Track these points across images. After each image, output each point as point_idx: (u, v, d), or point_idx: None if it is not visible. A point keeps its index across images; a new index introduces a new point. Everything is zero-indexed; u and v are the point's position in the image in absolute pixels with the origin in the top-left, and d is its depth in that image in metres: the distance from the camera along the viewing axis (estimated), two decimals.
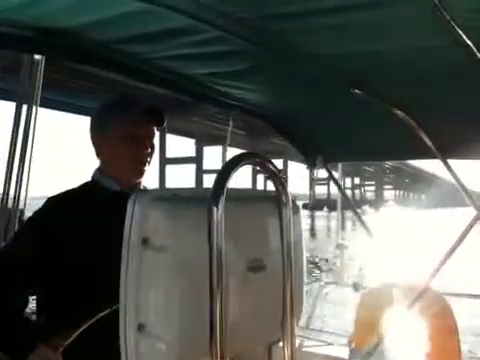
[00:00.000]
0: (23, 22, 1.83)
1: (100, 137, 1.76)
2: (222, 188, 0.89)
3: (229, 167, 0.91)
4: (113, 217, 1.61)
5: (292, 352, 1.03)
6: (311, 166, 3.01)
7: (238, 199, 0.98)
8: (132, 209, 0.90)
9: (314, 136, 2.88)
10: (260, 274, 1.04)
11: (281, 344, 1.11)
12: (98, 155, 1.79)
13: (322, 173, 3.35)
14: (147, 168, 1.77)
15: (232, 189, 0.92)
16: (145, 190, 0.94)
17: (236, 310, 0.96)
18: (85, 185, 1.79)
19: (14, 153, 2.38)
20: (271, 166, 0.99)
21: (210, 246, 0.87)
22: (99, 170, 1.78)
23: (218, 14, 1.57)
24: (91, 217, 1.64)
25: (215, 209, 0.88)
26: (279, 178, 1.00)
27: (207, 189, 0.93)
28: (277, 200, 1.02)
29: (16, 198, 2.35)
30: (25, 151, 2.41)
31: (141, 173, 1.76)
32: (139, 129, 1.73)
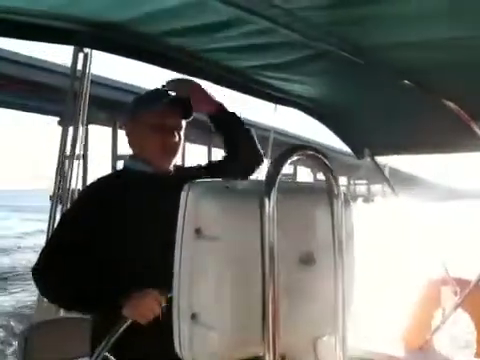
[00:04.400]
0: (72, 16, 1.87)
1: (132, 126, 1.88)
2: (274, 180, 0.89)
3: (281, 159, 0.90)
4: (150, 197, 1.71)
5: (344, 348, 1.02)
6: (359, 159, 2.97)
7: (289, 191, 0.98)
8: (185, 199, 0.91)
9: (361, 128, 2.84)
10: (310, 267, 1.03)
11: (325, 338, 1.11)
12: (130, 143, 1.90)
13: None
14: (176, 156, 1.87)
15: (283, 181, 0.92)
16: (198, 180, 0.94)
17: (286, 302, 0.96)
18: (119, 171, 1.89)
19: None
20: (322, 158, 0.98)
21: (262, 238, 0.88)
22: (132, 157, 1.87)
23: (267, 5, 1.56)
24: (128, 199, 1.72)
25: (267, 201, 0.88)
26: (331, 170, 0.99)
27: (260, 181, 0.93)
28: (328, 193, 1.01)
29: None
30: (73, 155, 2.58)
31: (170, 163, 1.86)
32: (167, 119, 1.83)
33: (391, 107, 2.48)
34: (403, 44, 1.80)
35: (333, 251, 1.02)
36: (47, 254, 1.70)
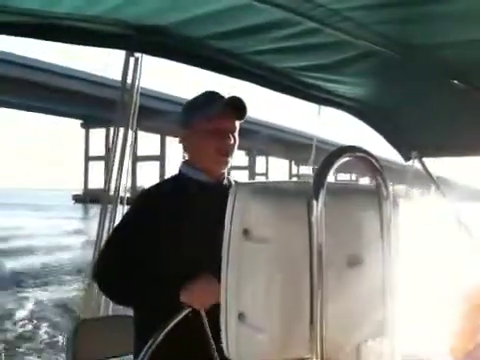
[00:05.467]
0: (121, 21, 1.92)
1: (186, 131, 1.85)
2: (323, 182, 0.88)
3: (330, 160, 0.89)
4: (202, 206, 1.72)
5: (392, 353, 1.01)
6: (406, 160, 2.91)
7: (338, 192, 0.97)
8: (233, 200, 0.91)
9: (408, 130, 2.79)
10: (358, 270, 1.02)
11: (370, 343, 1.09)
12: (185, 148, 1.87)
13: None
14: (231, 159, 1.84)
15: (331, 182, 0.91)
16: (245, 182, 0.95)
17: (333, 305, 0.95)
18: (173, 177, 1.89)
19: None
20: (372, 159, 0.96)
21: (310, 240, 0.87)
22: (186, 163, 1.86)
23: (313, 6, 1.55)
24: (181, 206, 1.73)
25: (315, 203, 0.87)
26: (380, 172, 0.97)
27: (307, 182, 0.92)
28: (378, 195, 0.99)
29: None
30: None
31: (225, 164, 1.84)
32: (222, 122, 1.79)
33: (439, 108, 2.42)
34: (451, 43, 1.76)
35: (381, 254, 1.00)
36: (106, 257, 1.79)
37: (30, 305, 9.86)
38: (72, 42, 2.06)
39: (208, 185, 1.81)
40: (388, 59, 1.95)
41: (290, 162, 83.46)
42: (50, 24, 1.88)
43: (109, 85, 42.00)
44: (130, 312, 1.89)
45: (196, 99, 1.88)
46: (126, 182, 2.78)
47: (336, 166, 0.90)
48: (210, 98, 1.83)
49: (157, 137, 59.64)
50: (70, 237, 22.02)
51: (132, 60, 2.58)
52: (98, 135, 62.38)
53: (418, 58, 1.91)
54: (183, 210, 1.73)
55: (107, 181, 2.74)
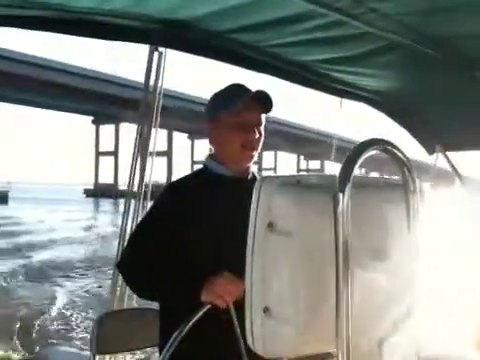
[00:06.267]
0: (144, 15, 1.93)
1: (212, 124, 1.83)
2: (349, 175, 0.87)
3: (356, 153, 0.88)
4: (226, 200, 1.71)
5: (415, 349, 1.00)
6: (430, 154, 2.87)
7: (363, 186, 0.96)
8: (258, 194, 0.91)
9: (432, 123, 2.75)
10: (384, 264, 1.01)
11: (393, 339, 1.08)
12: (211, 142, 1.86)
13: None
14: (256, 152, 1.81)
15: (357, 176, 0.90)
16: (271, 175, 0.94)
17: (358, 299, 0.95)
18: (198, 171, 1.88)
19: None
20: (399, 153, 0.95)
21: (336, 233, 0.86)
22: (211, 156, 1.85)
23: None
24: (205, 200, 1.72)
25: (341, 196, 0.86)
26: (408, 165, 0.96)
27: (332, 176, 0.91)
28: (404, 187, 0.98)
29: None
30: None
31: (251, 158, 1.81)
32: (248, 116, 1.76)
33: (464, 101, 2.38)
34: (478, 36, 1.72)
35: (408, 248, 0.99)
36: (131, 250, 1.79)
37: (65, 294, 10.07)
38: (96, 36, 2.08)
39: (233, 179, 1.80)
40: (413, 51, 1.91)
41: (298, 157, 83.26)
42: (74, 19, 1.90)
43: (118, 83, 45.14)
44: (155, 305, 1.90)
45: (222, 92, 1.84)
46: (150, 177, 2.80)
47: (363, 159, 0.89)
48: (236, 91, 1.79)
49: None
50: (88, 231, 22.47)
51: (156, 55, 2.57)
52: (107, 131, 63.59)
53: (443, 50, 1.88)
54: (208, 204, 1.72)
55: (130, 176, 2.76)
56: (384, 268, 1.02)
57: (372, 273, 1.00)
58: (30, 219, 26.24)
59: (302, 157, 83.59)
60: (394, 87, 2.54)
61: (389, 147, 0.93)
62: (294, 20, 1.76)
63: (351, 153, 0.88)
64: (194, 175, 1.91)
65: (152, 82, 2.64)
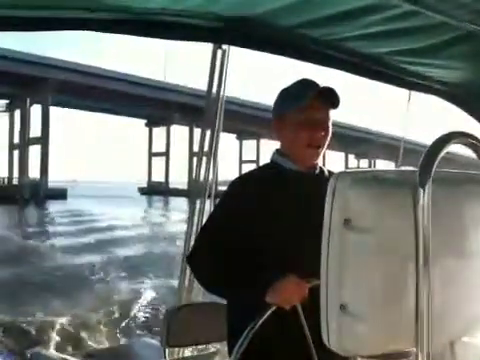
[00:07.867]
0: (210, 13, 1.94)
1: (279, 121, 1.83)
2: (430, 169, 0.84)
3: (437, 147, 0.85)
4: (295, 194, 1.71)
5: None
6: None
7: (444, 181, 0.93)
8: (333, 189, 0.90)
9: None
10: (464, 263, 0.98)
11: (466, 339, 1.04)
12: (278, 138, 1.85)
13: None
14: (323, 149, 1.80)
15: (438, 171, 0.87)
16: (347, 170, 0.93)
17: (437, 298, 0.92)
18: (265, 166, 1.88)
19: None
20: None
21: (416, 230, 0.84)
22: (278, 151, 1.85)
23: None
24: (274, 194, 1.73)
25: (422, 191, 0.84)
26: None
27: (411, 171, 0.89)
28: None
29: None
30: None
31: (317, 156, 1.81)
32: (314, 113, 1.74)
33: None
34: None
35: None
36: (200, 244, 1.82)
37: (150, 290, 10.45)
38: (164, 37, 2.12)
39: (301, 174, 1.79)
40: None
41: (346, 155, 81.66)
42: (144, 20, 1.95)
43: (169, 89, 51.22)
44: (224, 300, 1.92)
45: (289, 89, 1.83)
46: (215, 177, 2.86)
47: (443, 153, 0.86)
48: (302, 88, 1.77)
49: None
50: (156, 227, 23.29)
51: (219, 52, 2.58)
52: (160, 133, 65.65)
53: None
54: (277, 198, 1.72)
55: (196, 176, 2.84)
56: (464, 266, 0.98)
57: (452, 271, 0.96)
58: (106, 216, 27.53)
59: (352, 156, 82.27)
60: (467, 78, 2.43)
61: (471, 140, 0.89)
62: (365, 12, 1.72)
63: (431, 147, 0.85)
64: (261, 170, 1.92)
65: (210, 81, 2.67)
